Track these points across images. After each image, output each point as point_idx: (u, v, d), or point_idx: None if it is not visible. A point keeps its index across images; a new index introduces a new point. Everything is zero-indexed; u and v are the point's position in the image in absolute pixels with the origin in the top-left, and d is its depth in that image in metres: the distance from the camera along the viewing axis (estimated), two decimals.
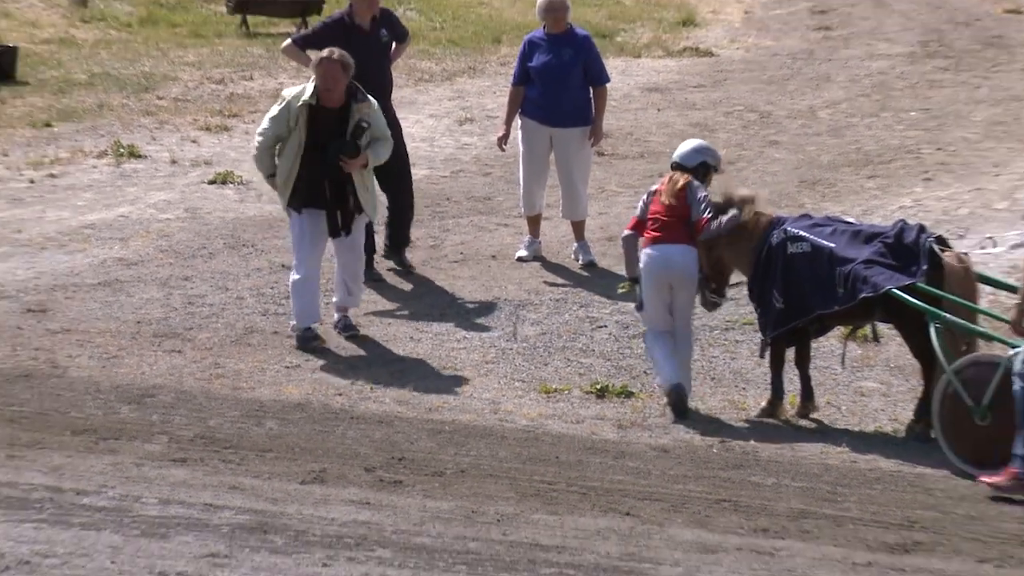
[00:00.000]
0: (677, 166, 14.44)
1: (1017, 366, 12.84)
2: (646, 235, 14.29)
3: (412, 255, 17.60)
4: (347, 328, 15.64)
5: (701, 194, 14.23)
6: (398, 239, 17.42)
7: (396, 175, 17.17)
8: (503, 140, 17.96)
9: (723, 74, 24.61)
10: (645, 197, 14.53)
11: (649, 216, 14.31)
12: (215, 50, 24.74)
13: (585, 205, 17.74)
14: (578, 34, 17.74)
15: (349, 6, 17.23)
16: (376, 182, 15.63)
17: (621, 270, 15.75)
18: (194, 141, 21.05)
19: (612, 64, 23.04)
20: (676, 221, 14.19)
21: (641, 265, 14.33)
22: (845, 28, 26.64)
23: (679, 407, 14.12)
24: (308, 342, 15.54)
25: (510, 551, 11.71)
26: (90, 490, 12.40)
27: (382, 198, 16.90)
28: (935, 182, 19.67)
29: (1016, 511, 12.69)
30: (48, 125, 21.53)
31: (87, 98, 22.62)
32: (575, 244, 17.69)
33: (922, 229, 14.12)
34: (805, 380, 14.40)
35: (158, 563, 11.33)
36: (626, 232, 14.57)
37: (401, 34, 17.72)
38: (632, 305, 15.05)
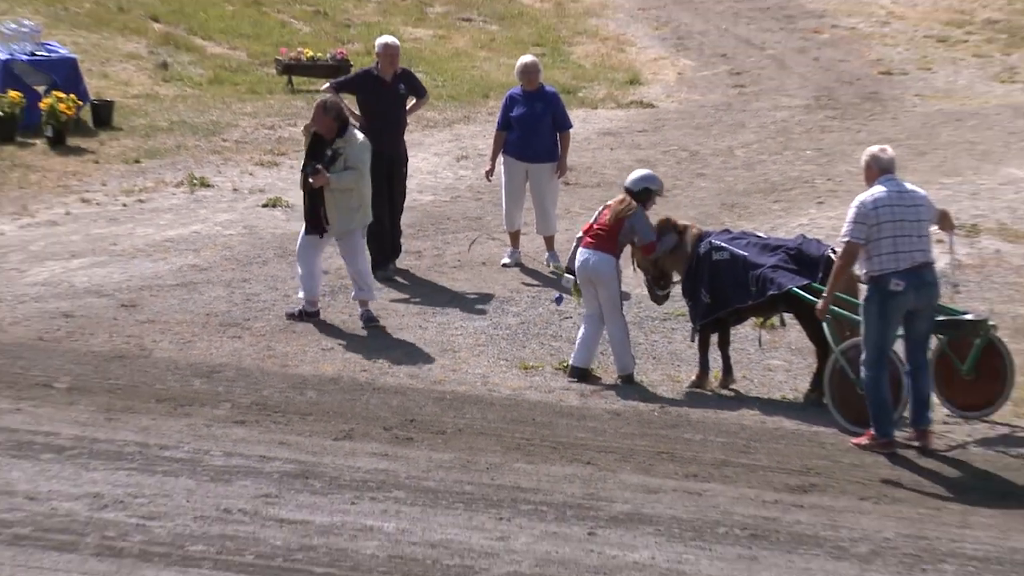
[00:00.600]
0: (627, 190, 14.44)
1: (863, 357, 12.90)
2: (584, 239, 14.34)
3: (418, 263, 17.55)
4: (368, 320, 15.56)
5: (645, 222, 14.23)
6: (389, 248, 17.39)
7: (394, 198, 17.21)
8: (489, 173, 17.95)
9: (661, 122, 24.57)
10: (600, 208, 14.55)
11: (595, 225, 14.35)
12: (267, 103, 24.69)
13: (554, 223, 17.70)
14: (547, 91, 17.72)
15: (376, 62, 17.24)
16: (360, 201, 15.52)
17: None
18: (251, 174, 21.00)
19: (575, 114, 23.05)
20: (607, 235, 14.22)
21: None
22: (756, 86, 26.63)
23: (575, 378, 14.28)
24: (293, 316, 15.62)
25: (497, 492, 11.73)
26: (170, 445, 12.40)
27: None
28: (826, 205, 19.68)
29: (888, 462, 12.70)
30: (137, 161, 21.46)
31: (168, 140, 22.55)
32: (547, 253, 17.66)
33: (820, 243, 14.19)
34: (726, 359, 14.41)
35: (223, 502, 11.35)
36: (580, 233, 14.60)
37: (420, 91, 17.72)
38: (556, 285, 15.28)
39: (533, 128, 17.39)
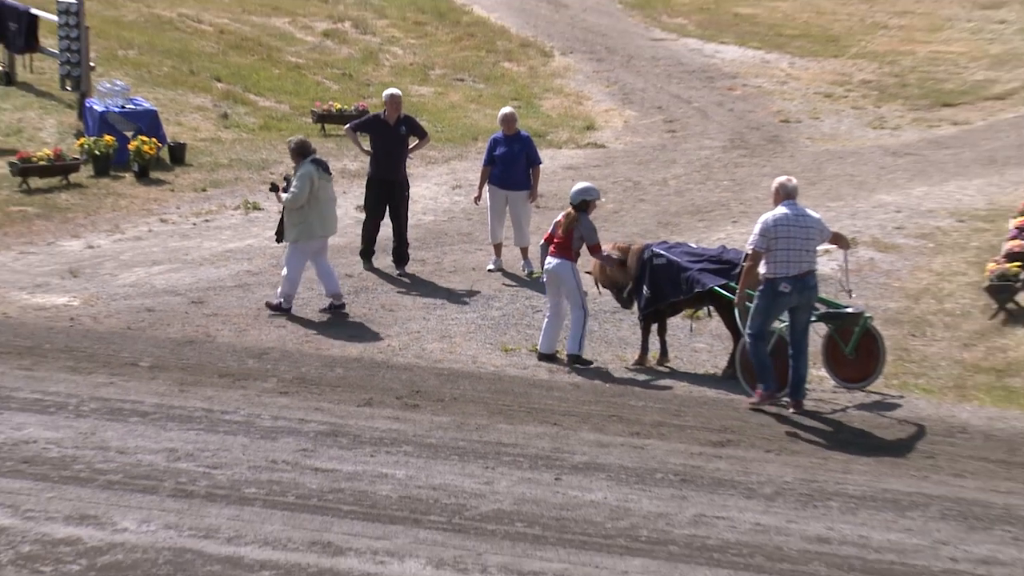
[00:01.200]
0: (571, 204, 14.38)
1: (749, 333, 12.99)
2: (550, 248, 14.31)
3: (423, 268, 17.49)
4: (270, 307, 15.53)
5: (588, 227, 14.15)
6: (399, 256, 17.41)
7: (399, 216, 17.26)
8: (477, 198, 17.93)
9: (611, 159, 24.53)
10: (555, 220, 14.48)
11: (554, 236, 14.31)
12: None
13: (528, 237, 17.64)
14: (523, 135, 17.67)
15: (384, 109, 17.24)
16: (301, 220, 15.45)
17: None
18: None
19: (544, 153, 23.00)
20: (563, 244, 14.17)
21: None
22: (684, 131, 26.64)
23: (544, 361, 14.16)
24: (325, 310, 15.62)
25: (484, 447, 11.74)
26: (229, 410, 12.39)
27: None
28: (739, 224, 19.67)
29: (787, 422, 12.72)
30: (204, 190, 21.37)
31: (227, 174, 22.43)
32: (522, 261, 17.62)
33: (736, 251, 14.24)
34: (663, 343, 14.42)
35: (271, 454, 11.36)
36: (542, 241, 14.58)
37: (421, 133, 17.68)
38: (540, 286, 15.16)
39: (511, 164, 17.38)
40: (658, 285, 14.11)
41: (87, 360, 13.69)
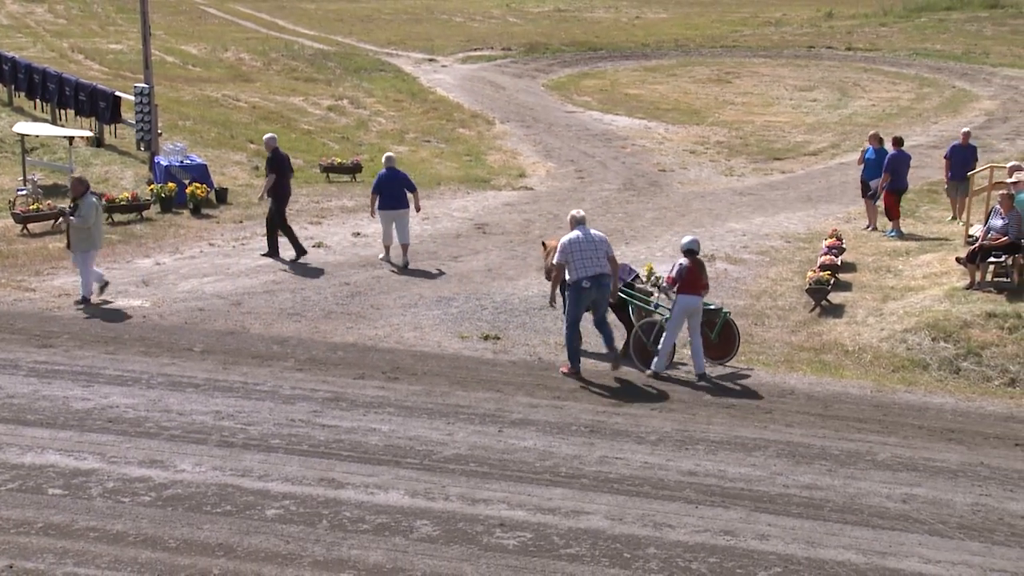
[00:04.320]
0: (688, 251, 13.02)
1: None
2: (696, 289, 12.92)
3: (399, 278, 17.30)
4: (80, 302, 15.29)
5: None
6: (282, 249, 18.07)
7: (274, 225, 18.08)
8: (372, 215, 17.99)
9: (537, 197, 24.44)
10: (684, 266, 12.92)
11: (684, 279, 12.89)
12: (313, 188, 24.33)
13: (407, 237, 17.75)
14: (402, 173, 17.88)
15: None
16: (98, 235, 15.36)
17: (461, 285, 15.61)
18: (305, 228, 20.62)
19: (486, 194, 22.99)
20: (703, 284, 12.98)
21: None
22: (590, 177, 26.58)
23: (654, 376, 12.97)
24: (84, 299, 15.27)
25: (446, 408, 11.65)
26: (259, 383, 12.24)
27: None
28: (630, 245, 19.66)
29: (667, 387, 12.66)
30: (241, 222, 21.05)
31: (258, 210, 22.09)
32: (405, 258, 17.61)
33: (629, 267, 14.22)
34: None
35: (290, 415, 11.25)
36: (665, 283, 13.42)
37: (267, 170, 18.39)
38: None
39: (396, 191, 17.63)
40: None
41: (155, 346, 13.48)
